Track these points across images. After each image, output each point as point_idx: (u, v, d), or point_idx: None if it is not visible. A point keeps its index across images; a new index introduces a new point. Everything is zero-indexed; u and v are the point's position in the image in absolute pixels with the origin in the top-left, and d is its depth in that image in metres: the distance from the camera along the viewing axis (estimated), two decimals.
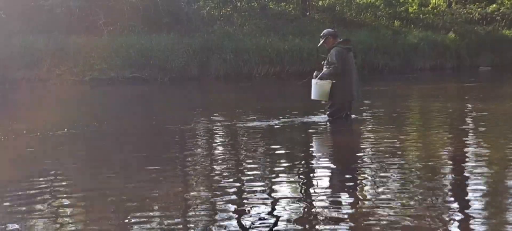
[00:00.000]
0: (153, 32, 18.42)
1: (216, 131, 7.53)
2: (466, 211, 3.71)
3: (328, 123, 7.63)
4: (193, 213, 3.80)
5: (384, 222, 3.47)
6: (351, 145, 6.43)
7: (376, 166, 5.05)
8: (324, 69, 7.59)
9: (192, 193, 4.31)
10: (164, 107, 11.18)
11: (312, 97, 7.72)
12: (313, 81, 7.63)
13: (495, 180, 4.57)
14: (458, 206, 3.83)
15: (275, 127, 7.50)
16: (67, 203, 4.13)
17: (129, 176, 4.90)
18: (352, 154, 5.88)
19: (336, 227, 3.43)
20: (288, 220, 3.55)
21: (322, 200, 4.00)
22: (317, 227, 3.45)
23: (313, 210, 3.79)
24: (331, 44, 7.63)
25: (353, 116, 7.85)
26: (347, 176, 4.82)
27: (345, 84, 7.48)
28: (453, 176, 4.78)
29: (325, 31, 7.88)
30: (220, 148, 6.40)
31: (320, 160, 5.68)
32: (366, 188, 4.34)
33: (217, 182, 4.59)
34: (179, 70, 17.35)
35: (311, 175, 4.91)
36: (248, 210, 3.78)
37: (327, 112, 7.80)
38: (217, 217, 3.68)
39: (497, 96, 12.03)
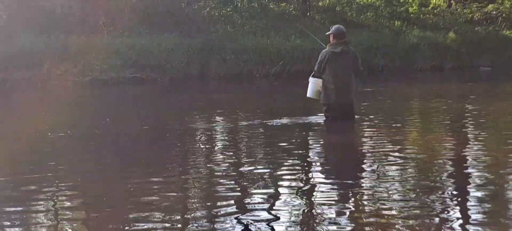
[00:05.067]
0: (153, 32, 18.43)
1: (216, 131, 7.53)
2: (466, 211, 3.71)
3: (326, 123, 7.62)
4: (193, 213, 3.80)
5: (384, 222, 3.47)
6: (351, 145, 6.43)
7: (376, 166, 5.05)
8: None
9: (192, 193, 4.32)
10: (164, 107, 11.18)
11: (307, 95, 7.80)
12: (309, 78, 7.72)
13: (495, 180, 4.57)
14: (458, 206, 3.83)
15: (275, 126, 7.50)
16: (66, 203, 4.14)
17: (129, 176, 4.89)
18: (352, 154, 5.88)
19: (336, 226, 3.43)
20: (288, 220, 3.56)
21: (322, 200, 4.00)
22: (317, 227, 3.45)
23: (313, 210, 3.80)
24: (330, 42, 7.63)
25: (356, 116, 7.83)
26: (346, 176, 4.82)
27: (325, 86, 7.52)
28: (453, 176, 4.78)
29: (335, 26, 7.77)
30: (220, 147, 6.40)
31: (320, 159, 5.68)
32: (365, 188, 4.34)
33: (217, 182, 4.59)
34: (180, 70, 17.35)
35: (311, 175, 4.91)
36: (248, 210, 3.78)
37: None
38: (217, 217, 3.68)
39: (497, 96, 12.01)
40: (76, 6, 18.63)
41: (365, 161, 5.41)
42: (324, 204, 3.90)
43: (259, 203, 3.94)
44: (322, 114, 7.99)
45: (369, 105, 9.67)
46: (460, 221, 3.52)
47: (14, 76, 15.68)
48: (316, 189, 4.37)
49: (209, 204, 3.99)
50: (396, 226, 3.42)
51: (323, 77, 7.55)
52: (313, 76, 7.71)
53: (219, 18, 21.75)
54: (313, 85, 7.67)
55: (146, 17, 19.28)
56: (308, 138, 6.94)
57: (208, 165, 5.35)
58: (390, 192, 4.15)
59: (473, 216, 3.60)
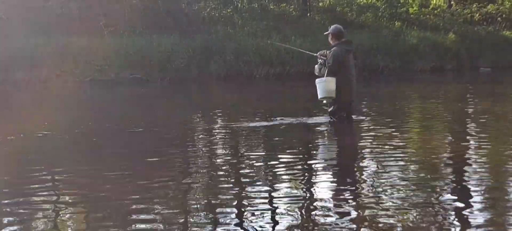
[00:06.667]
0: (153, 32, 18.44)
1: (216, 131, 7.53)
2: (466, 212, 3.71)
3: (329, 123, 7.62)
4: (193, 213, 3.80)
5: (384, 222, 3.47)
6: (351, 146, 6.43)
7: (376, 167, 5.05)
8: (317, 66, 7.72)
9: (192, 194, 4.31)
10: (164, 108, 11.18)
11: (319, 97, 7.55)
12: (317, 80, 7.54)
13: (495, 181, 4.57)
14: (458, 207, 3.83)
15: (275, 127, 7.50)
16: (66, 204, 4.13)
17: (129, 176, 4.89)
18: (352, 155, 5.88)
19: (336, 227, 3.43)
20: (289, 219, 3.55)
21: (322, 201, 4.00)
22: (318, 226, 3.45)
23: (313, 210, 3.79)
24: (333, 42, 7.61)
25: (354, 116, 7.84)
26: (347, 176, 4.82)
27: (343, 85, 7.46)
28: (453, 177, 4.78)
29: (332, 26, 7.81)
30: (220, 148, 6.40)
31: (321, 160, 5.67)
32: (366, 188, 4.33)
33: (217, 182, 4.59)
34: (180, 71, 17.36)
35: (312, 175, 4.91)
36: (248, 211, 3.78)
37: (329, 111, 7.77)
38: (217, 217, 3.68)
39: (497, 97, 12.02)
40: (76, 7, 18.65)
41: (365, 161, 5.41)
42: (325, 204, 3.90)
43: (259, 202, 3.94)
44: (322, 115, 8.00)
45: (369, 105, 9.67)
46: (461, 221, 3.52)
47: (14, 77, 15.69)
48: (316, 189, 4.37)
49: (209, 203, 3.99)
50: (397, 226, 3.42)
51: (338, 77, 7.43)
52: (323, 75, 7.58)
53: (219, 18, 21.77)
54: (326, 84, 7.43)
55: (146, 17, 19.30)
56: (309, 138, 6.93)
57: (208, 165, 5.35)
58: (390, 192, 4.15)
59: (474, 217, 3.60)
